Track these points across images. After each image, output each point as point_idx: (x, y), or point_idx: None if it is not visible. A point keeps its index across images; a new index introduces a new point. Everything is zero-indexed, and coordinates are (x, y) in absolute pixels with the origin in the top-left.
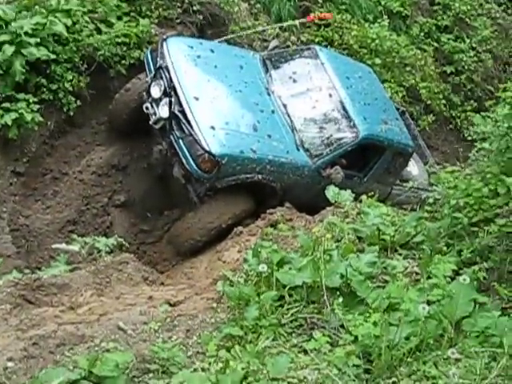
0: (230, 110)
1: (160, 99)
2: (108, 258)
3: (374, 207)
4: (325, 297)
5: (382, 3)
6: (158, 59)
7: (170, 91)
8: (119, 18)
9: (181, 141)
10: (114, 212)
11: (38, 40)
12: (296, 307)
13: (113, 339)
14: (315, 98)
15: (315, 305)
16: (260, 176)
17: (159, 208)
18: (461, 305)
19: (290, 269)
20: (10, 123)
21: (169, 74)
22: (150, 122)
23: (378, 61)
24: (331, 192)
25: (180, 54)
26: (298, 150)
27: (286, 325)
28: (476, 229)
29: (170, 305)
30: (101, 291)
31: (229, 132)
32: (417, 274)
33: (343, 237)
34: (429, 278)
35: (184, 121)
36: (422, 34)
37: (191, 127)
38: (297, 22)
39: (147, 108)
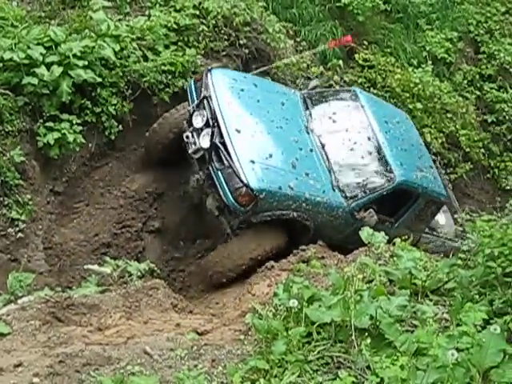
0: (271, 146)
1: (201, 129)
2: (139, 283)
3: (407, 251)
4: (353, 337)
5: (427, 49)
6: (202, 89)
7: (213, 122)
8: (166, 47)
9: (219, 172)
10: (147, 237)
11: (86, 63)
12: (323, 345)
13: (139, 363)
14: (353, 140)
15: (343, 344)
16: (295, 213)
17: (192, 236)
18: (490, 354)
19: (319, 306)
20: (52, 142)
21: (212, 104)
22: (189, 152)
23: (419, 105)
24: (365, 233)
25: (224, 85)
26: (334, 190)
27: (312, 362)
28: (509, 279)
29: (198, 333)
30: (129, 315)
31: (268, 167)
32: (446, 320)
33: (375, 278)
34: (458, 325)
35: (224, 152)
36: (465, 81)
37: (231, 159)
38: (319, 48)
39: (187, 137)
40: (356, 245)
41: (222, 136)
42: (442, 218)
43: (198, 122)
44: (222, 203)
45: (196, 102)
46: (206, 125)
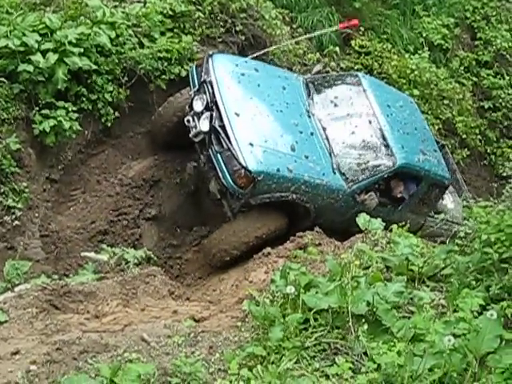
0: (270, 129)
1: (202, 113)
2: (136, 270)
3: (404, 237)
4: (350, 323)
5: (424, 35)
6: (203, 74)
7: (212, 106)
8: (162, 34)
9: (219, 155)
10: (143, 225)
11: (82, 50)
12: (320, 331)
13: (136, 350)
14: (355, 124)
15: (340, 330)
16: (294, 196)
17: (189, 224)
18: (486, 340)
19: (316, 292)
20: (48, 130)
21: (212, 88)
22: (190, 135)
23: (416, 92)
24: (362, 219)
25: (225, 70)
26: (334, 173)
27: (309, 348)
28: (506, 265)
29: (195, 320)
30: (126, 302)
31: (267, 150)
32: (443, 306)
33: (371, 265)
34: (455, 311)
35: (223, 136)
36: (462, 67)
37: (230, 142)
38: (328, 29)
39: (188, 121)
40: (358, 228)
41: (221, 119)
42: (449, 202)
43: (198, 105)
44: (224, 187)
45: (196, 86)
46: (206, 109)
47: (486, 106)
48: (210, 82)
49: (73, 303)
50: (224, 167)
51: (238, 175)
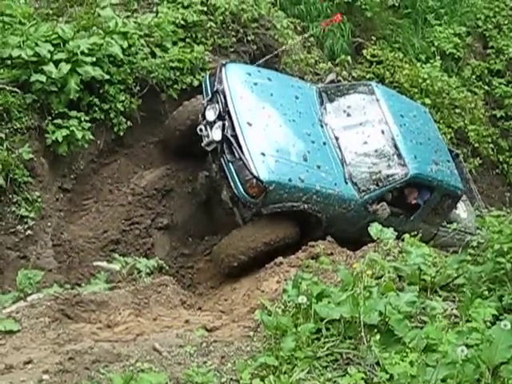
0: (282, 139)
1: (214, 122)
2: (148, 280)
3: (416, 247)
4: (362, 333)
5: (436, 44)
6: (216, 83)
7: (225, 115)
8: (174, 44)
9: (231, 164)
10: (156, 234)
11: (94, 60)
12: (332, 341)
13: (148, 360)
14: (367, 133)
15: (352, 340)
16: (306, 205)
17: (200, 233)
18: (500, 350)
19: (328, 302)
20: (60, 139)
21: (225, 98)
22: (202, 144)
23: (427, 101)
24: (374, 229)
25: (237, 79)
26: (346, 183)
27: (321, 358)
28: None
29: (207, 330)
30: (138, 311)
31: (278, 159)
32: (456, 316)
33: (384, 274)
34: (468, 321)
35: (235, 145)
36: (474, 76)
37: (242, 152)
38: (311, 32)
39: (201, 130)
40: (370, 237)
41: (233, 129)
42: (463, 212)
43: (210, 115)
44: (235, 195)
45: (209, 95)
46: (219, 118)
47: (499, 115)
48: (223, 92)
49: (85, 313)
50: (236, 176)
51: (250, 185)
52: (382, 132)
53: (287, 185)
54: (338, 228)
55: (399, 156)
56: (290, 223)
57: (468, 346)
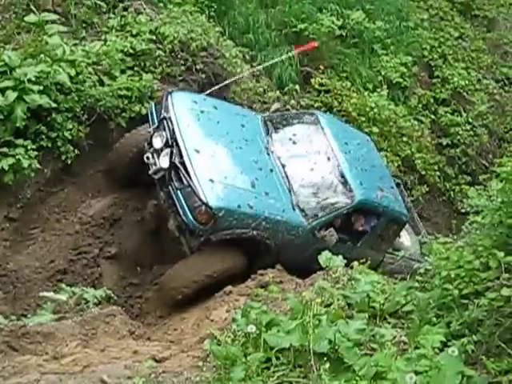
0: (230, 166)
1: (161, 150)
2: (95, 310)
3: (365, 274)
4: (312, 361)
5: (382, 73)
6: (162, 111)
7: (172, 142)
8: (123, 72)
9: (179, 192)
10: (104, 264)
11: (41, 88)
12: (282, 370)
13: None
14: (313, 161)
15: (302, 369)
16: (255, 232)
17: (149, 262)
18: (448, 377)
19: (278, 331)
20: (6, 168)
21: (172, 125)
22: (150, 172)
23: (375, 129)
24: (323, 257)
25: (184, 107)
26: (294, 209)
27: None
28: (466, 301)
29: (156, 361)
30: (86, 342)
31: (227, 186)
32: (405, 343)
33: (333, 302)
34: (417, 348)
35: (183, 172)
36: (420, 105)
37: (190, 179)
38: (283, 57)
39: (148, 158)
40: (319, 265)
41: (181, 156)
42: (406, 240)
43: (157, 142)
44: (183, 224)
45: (156, 123)
46: (166, 145)
47: (445, 143)
48: (170, 119)
49: (31, 344)
50: (184, 204)
51: (199, 211)
52: (328, 159)
53: (236, 211)
54: (287, 255)
55: (345, 183)
56: (237, 253)
57: (417, 373)
